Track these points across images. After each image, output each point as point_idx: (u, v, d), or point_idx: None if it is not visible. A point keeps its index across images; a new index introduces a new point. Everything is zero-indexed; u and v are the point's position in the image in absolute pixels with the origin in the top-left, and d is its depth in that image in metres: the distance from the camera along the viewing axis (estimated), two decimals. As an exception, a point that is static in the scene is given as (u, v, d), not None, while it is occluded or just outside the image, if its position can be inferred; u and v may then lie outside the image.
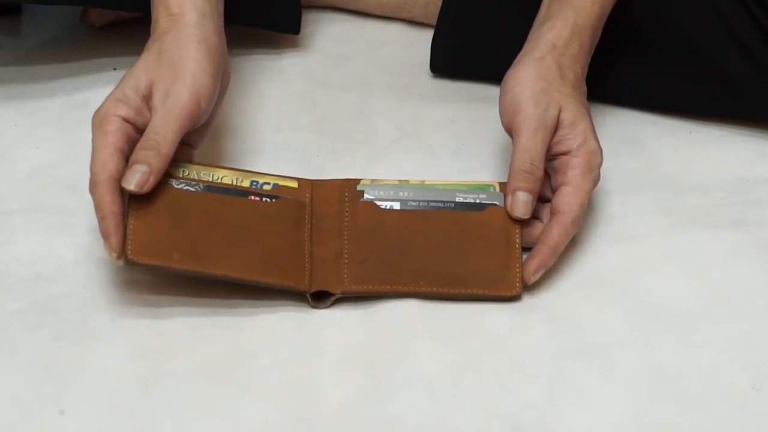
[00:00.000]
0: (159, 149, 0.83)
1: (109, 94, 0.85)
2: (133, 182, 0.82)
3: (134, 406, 0.77)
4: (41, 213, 0.92)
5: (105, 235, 0.81)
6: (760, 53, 0.98)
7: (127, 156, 0.84)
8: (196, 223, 0.84)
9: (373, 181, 0.90)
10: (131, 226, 0.82)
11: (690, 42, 1.00)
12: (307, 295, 0.85)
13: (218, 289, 0.85)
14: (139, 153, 0.83)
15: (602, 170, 0.89)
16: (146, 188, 0.83)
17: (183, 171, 0.86)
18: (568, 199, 0.87)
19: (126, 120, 0.84)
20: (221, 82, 0.89)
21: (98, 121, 0.84)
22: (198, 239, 0.83)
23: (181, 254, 0.82)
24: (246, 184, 0.88)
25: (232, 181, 0.87)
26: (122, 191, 0.83)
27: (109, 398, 0.78)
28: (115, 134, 0.83)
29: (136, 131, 0.85)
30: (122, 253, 0.81)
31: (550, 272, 0.86)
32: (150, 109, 0.85)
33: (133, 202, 0.83)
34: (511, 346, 0.82)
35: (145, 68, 0.86)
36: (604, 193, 0.94)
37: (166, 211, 0.83)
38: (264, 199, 0.87)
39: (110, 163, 0.82)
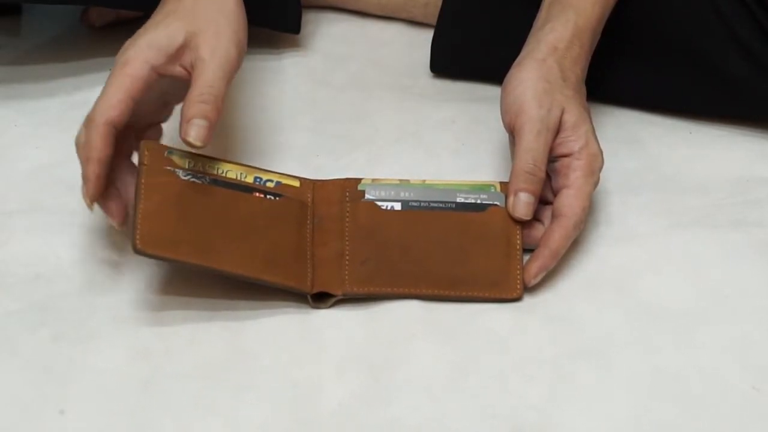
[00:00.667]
0: (217, 104, 0.82)
1: (137, 36, 0.83)
2: (192, 135, 0.81)
3: (134, 406, 0.77)
4: (41, 213, 0.92)
5: (84, 178, 0.80)
6: (760, 53, 0.98)
7: (137, 105, 0.82)
8: (202, 216, 0.83)
9: (374, 180, 0.90)
10: (140, 214, 0.81)
11: (690, 42, 1.00)
12: (308, 296, 0.85)
13: (219, 290, 0.85)
14: (196, 107, 0.81)
15: (602, 170, 0.89)
16: (206, 142, 0.81)
17: (189, 162, 0.85)
18: (569, 201, 0.87)
19: (154, 69, 0.82)
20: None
21: (124, 60, 0.82)
22: (203, 233, 0.83)
23: (188, 247, 0.81)
24: (250, 180, 0.87)
25: (237, 176, 0.87)
26: (118, 166, 0.83)
27: (109, 398, 0.78)
28: (137, 81, 0.82)
29: (158, 82, 0.83)
30: (95, 200, 0.81)
31: (550, 273, 0.86)
32: (182, 62, 0.83)
33: (142, 189, 0.82)
34: (511, 346, 0.82)
35: (181, 17, 0.84)
36: (604, 194, 0.94)
37: (174, 202, 0.83)
38: (268, 196, 0.87)
39: (116, 109, 0.81)
